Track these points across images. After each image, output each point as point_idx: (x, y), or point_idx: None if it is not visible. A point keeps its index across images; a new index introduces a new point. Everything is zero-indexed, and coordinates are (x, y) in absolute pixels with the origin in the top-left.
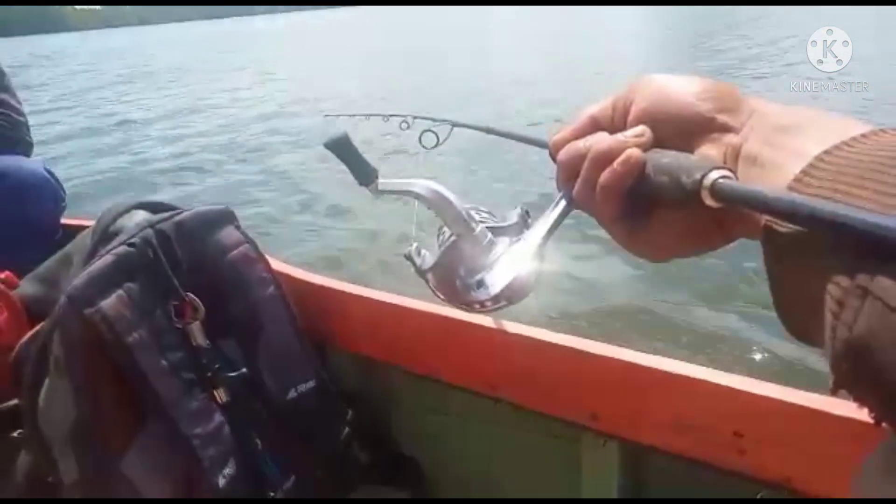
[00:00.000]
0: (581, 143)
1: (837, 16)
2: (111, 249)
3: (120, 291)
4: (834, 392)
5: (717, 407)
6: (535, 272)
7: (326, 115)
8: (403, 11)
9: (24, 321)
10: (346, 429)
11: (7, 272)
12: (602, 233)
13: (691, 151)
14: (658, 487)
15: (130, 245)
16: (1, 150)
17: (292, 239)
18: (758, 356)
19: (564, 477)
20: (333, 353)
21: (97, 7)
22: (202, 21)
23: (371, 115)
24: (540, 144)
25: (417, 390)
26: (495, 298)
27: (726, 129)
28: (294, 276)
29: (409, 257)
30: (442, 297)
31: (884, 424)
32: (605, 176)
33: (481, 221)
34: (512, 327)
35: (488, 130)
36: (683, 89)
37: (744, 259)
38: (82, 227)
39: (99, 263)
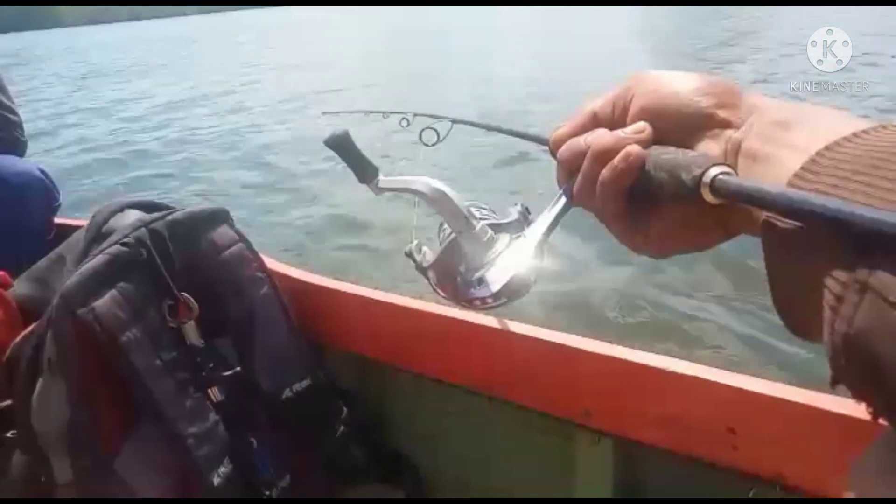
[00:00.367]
0: (581, 140)
1: (841, 16)
2: (104, 249)
3: (113, 291)
4: (832, 387)
5: (711, 403)
6: (535, 269)
7: (325, 113)
8: (398, 10)
9: (19, 321)
10: (342, 427)
11: (1, 272)
12: (602, 229)
13: (691, 147)
14: (652, 484)
15: (124, 244)
16: None
17: (288, 237)
18: (754, 353)
19: (559, 474)
20: (329, 351)
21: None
22: (196, 15)
23: (370, 112)
24: (540, 141)
25: (413, 389)
26: (496, 295)
27: (726, 124)
28: (289, 276)
29: (409, 254)
30: (443, 294)
31: (881, 420)
32: (605, 173)
33: (482, 218)
34: (507, 325)
35: (488, 127)
36: (683, 85)
37: (742, 255)
38: (76, 227)
39: (92, 263)
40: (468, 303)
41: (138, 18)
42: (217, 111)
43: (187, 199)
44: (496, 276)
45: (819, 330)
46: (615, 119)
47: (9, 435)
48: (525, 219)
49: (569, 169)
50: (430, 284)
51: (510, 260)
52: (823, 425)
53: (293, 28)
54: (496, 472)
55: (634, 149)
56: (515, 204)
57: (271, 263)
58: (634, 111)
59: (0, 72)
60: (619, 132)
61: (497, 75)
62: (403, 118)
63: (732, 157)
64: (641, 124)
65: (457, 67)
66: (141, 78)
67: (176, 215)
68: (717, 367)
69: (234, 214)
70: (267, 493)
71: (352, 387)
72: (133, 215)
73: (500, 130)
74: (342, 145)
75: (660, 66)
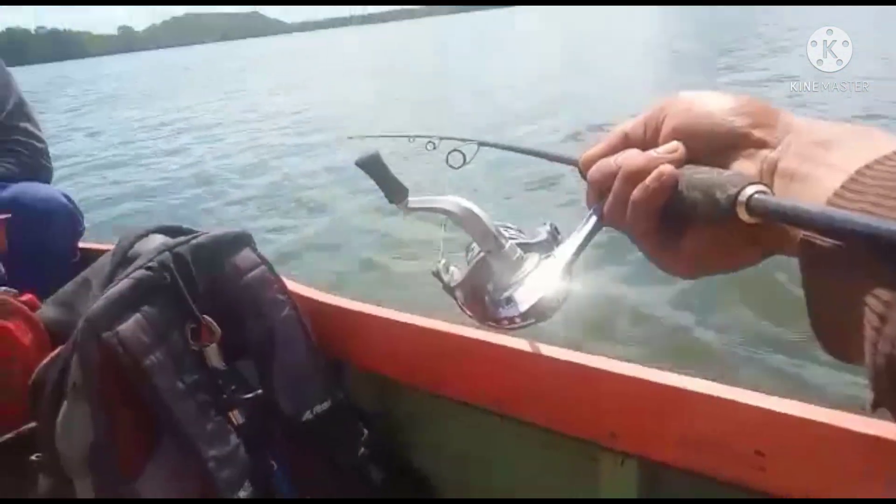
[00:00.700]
0: (612, 160)
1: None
2: (129, 273)
3: (137, 315)
4: (873, 410)
5: (738, 425)
6: (565, 289)
7: (350, 137)
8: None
9: (48, 343)
10: (363, 449)
11: (30, 295)
12: (633, 249)
13: (725, 167)
14: None
15: (148, 269)
16: (21, 177)
17: (311, 259)
18: (783, 374)
19: (583, 496)
20: (349, 372)
21: (113, 32)
22: (215, 43)
23: (396, 136)
24: (568, 162)
25: (435, 409)
26: (524, 315)
27: (762, 144)
28: (310, 297)
29: (436, 274)
30: (470, 313)
31: None
32: (637, 192)
33: (510, 238)
34: (530, 345)
35: (515, 149)
36: (717, 105)
37: (775, 275)
38: (100, 251)
39: (117, 287)
40: (496, 322)
41: (158, 47)
42: (232, 135)
43: (210, 222)
44: (525, 296)
45: (859, 351)
46: (647, 140)
47: (33, 458)
48: (554, 239)
49: (599, 189)
50: (457, 304)
51: (539, 280)
52: (854, 447)
53: (294, 53)
54: (519, 494)
55: (667, 168)
56: (544, 223)
57: (292, 285)
58: (667, 131)
59: (29, 100)
60: (651, 152)
61: (515, 87)
62: (429, 141)
63: (768, 176)
64: (674, 144)
65: (475, 82)
66: (154, 102)
67: (199, 239)
68: (744, 388)
69: (256, 237)
70: None
71: (372, 407)
72: (157, 240)
73: (527, 152)
74: (373, 166)
75: (682, 68)
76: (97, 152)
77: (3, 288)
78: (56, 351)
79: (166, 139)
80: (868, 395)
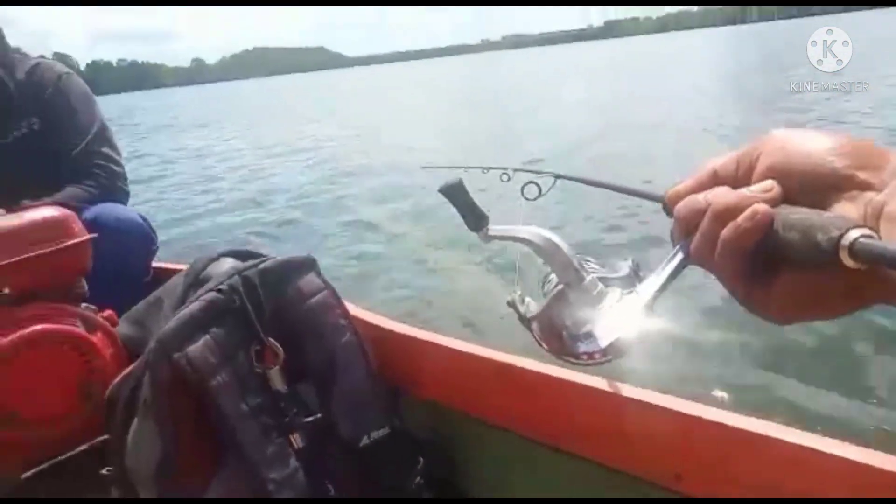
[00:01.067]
0: (701, 197)
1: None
2: (201, 296)
3: (207, 336)
4: None
5: (813, 474)
6: (647, 327)
7: (424, 167)
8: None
9: (125, 359)
10: (418, 478)
11: (109, 311)
12: (719, 289)
13: (824, 209)
14: None
15: (218, 291)
16: (100, 198)
17: (374, 286)
18: (872, 427)
19: None
20: (408, 399)
21: (185, 65)
22: (284, 75)
23: (470, 167)
24: (652, 198)
25: (492, 441)
26: (605, 351)
27: (866, 186)
28: (371, 323)
29: (512, 304)
30: (546, 346)
31: None
32: (728, 231)
33: (591, 271)
34: (593, 381)
35: (594, 183)
36: (817, 145)
37: (877, 326)
38: (171, 271)
39: (188, 309)
40: (574, 357)
41: (228, 79)
42: (306, 163)
43: (278, 247)
44: (606, 332)
45: None
46: (738, 178)
47: (104, 472)
48: (636, 275)
49: (686, 226)
50: (533, 335)
51: (621, 316)
52: None
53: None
54: None
55: (762, 207)
56: (626, 259)
57: (354, 310)
58: (761, 170)
59: (111, 126)
60: (744, 190)
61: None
62: (504, 173)
63: (873, 220)
64: (769, 182)
65: (535, 115)
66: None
67: (267, 264)
68: (828, 437)
69: (323, 263)
70: None
71: (428, 435)
72: (228, 263)
73: (606, 186)
74: (455, 193)
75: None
76: (167, 175)
77: (84, 305)
78: (129, 368)
79: (237, 166)
80: None
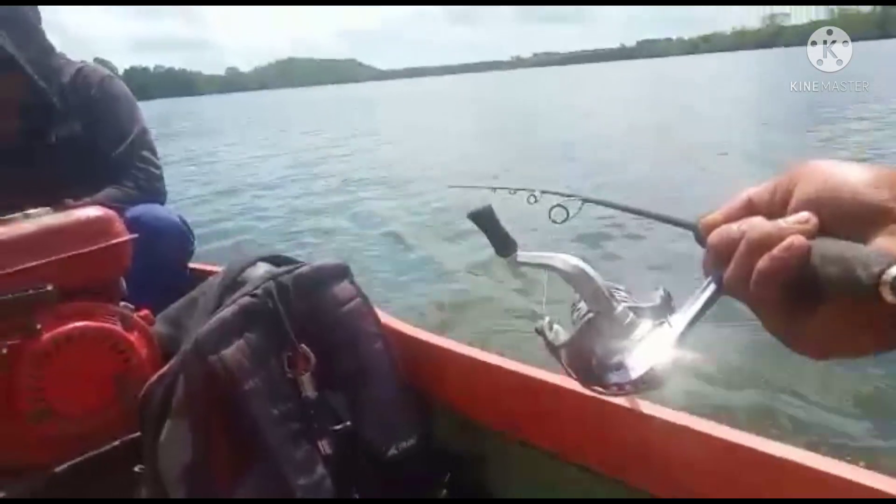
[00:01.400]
0: (735, 227)
1: None
2: (236, 299)
3: (241, 341)
4: None
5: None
6: (679, 359)
7: (451, 187)
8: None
9: (159, 357)
10: (444, 491)
11: (146, 310)
12: (751, 321)
13: (863, 243)
14: None
15: (253, 296)
16: (139, 200)
17: (402, 301)
18: None
19: None
20: (435, 410)
21: (221, 73)
22: (315, 87)
23: (497, 188)
24: (684, 225)
25: (519, 457)
26: (635, 383)
27: None
28: (402, 332)
29: (540, 332)
30: (574, 375)
31: None
32: (763, 262)
33: (622, 300)
34: (622, 401)
35: (623, 208)
36: (856, 176)
37: None
38: (207, 272)
39: (224, 313)
40: (604, 387)
41: (261, 87)
42: (332, 176)
43: (312, 254)
44: (637, 363)
45: None
46: (773, 208)
47: (136, 469)
48: (667, 304)
49: (719, 256)
50: (561, 364)
51: (653, 347)
52: None
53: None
54: None
55: (798, 239)
56: (657, 288)
57: (386, 319)
58: (797, 201)
59: (153, 131)
60: (780, 221)
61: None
62: (531, 195)
63: None
64: (805, 214)
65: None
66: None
67: (301, 270)
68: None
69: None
70: None
71: (457, 447)
72: (263, 268)
73: (636, 212)
74: (485, 219)
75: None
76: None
77: (122, 303)
78: (164, 368)
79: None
80: None
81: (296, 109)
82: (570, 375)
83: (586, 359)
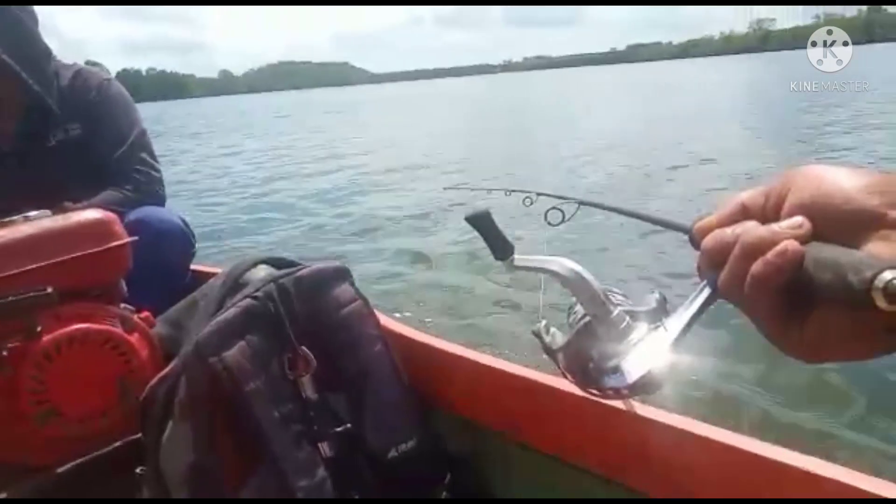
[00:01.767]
0: (729, 231)
1: None
2: (237, 302)
3: (242, 342)
4: None
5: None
6: (675, 363)
7: (446, 188)
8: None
9: (160, 359)
10: (444, 493)
11: (146, 312)
12: (744, 324)
13: (856, 248)
14: None
15: (254, 298)
16: (138, 202)
17: (401, 303)
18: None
19: None
20: (436, 413)
21: (214, 76)
22: (309, 89)
23: (492, 189)
24: (679, 229)
25: (519, 460)
26: (632, 387)
27: None
28: (403, 334)
29: (537, 334)
30: (571, 378)
31: None
32: (757, 267)
33: (618, 304)
34: (622, 404)
35: (619, 211)
36: (850, 181)
37: None
38: (208, 274)
39: (226, 315)
40: (600, 391)
41: (253, 91)
42: (327, 177)
43: (312, 257)
44: (633, 367)
45: None
46: (767, 213)
47: (138, 471)
48: (663, 308)
49: (714, 260)
50: (558, 367)
51: (649, 351)
52: None
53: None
54: None
55: (792, 244)
56: (652, 292)
57: (386, 321)
58: (791, 206)
59: (149, 133)
60: (774, 226)
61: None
62: (527, 197)
63: None
64: (800, 219)
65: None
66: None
67: (302, 272)
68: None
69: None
70: None
71: (457, 450)
72: (264, 270)
73: (631, 214)
74: (482, 222)
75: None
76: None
77: (123, 305)
78: (166, 370)
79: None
80: None
81: (288, 112)
82: (566, 378)
83: (583, 362)
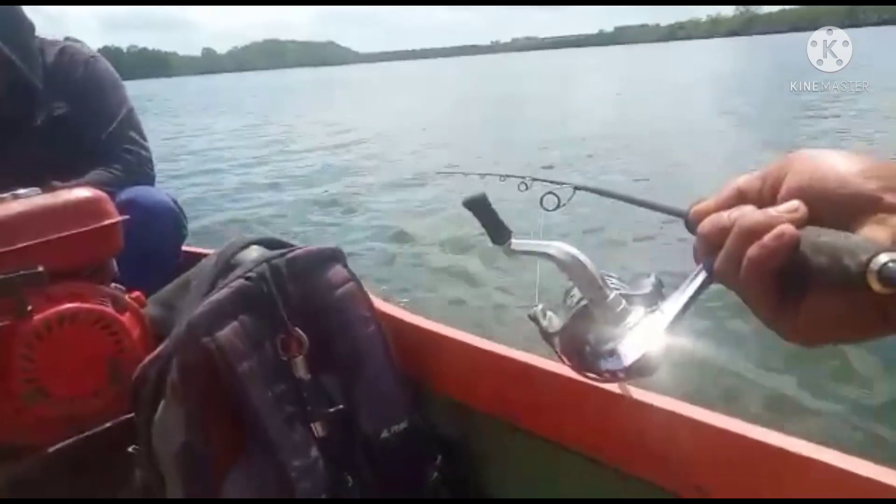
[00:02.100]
0: (726, 215)
1: None
2: (229, 282)
3: (235, 323)
4: None
5: (837, 492)
6: (671, 346)
7: (439, 172)
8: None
9: (152, 339)
10: (435, 474)
11: (138, 292)
12: (740, 307)
13: (851, 232)
14: None
15: (247, 279)
16: (128, 182)
17: (394, 286)
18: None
19: None
20: (428, 395)
21: (197, 54)
22: (294, 69)
23: (487, 174)
24: (675, 213)
25: (512, 442)
26: (628, 370)
27: (894, 209)
28: (396, 316)
29: (534, 318)
30: (567, 362)
31: None
32: (753, 251)
33: (615, 288)
34: (618, 388)
35: (615, 196)
36: (845, 166)
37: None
38: (200, 255)
39: (218, 295)
40: (597, 374)
41: (238, 69)
42: (318, 159)
43: (304, 237)
44: (629, 350)
45: None
46: (763, 197)
47: (130, 450)
48: (659, 292)
49: (710, 244)
50: (555, 351)
51: (645, 334)
52: None
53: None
54: None
55: (788, 228)
56: (649, 275)
57: (379, 303)
58: (787, 190)
59: (137, 112)
60: (770, 210)
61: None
62: (522, 182)
63: None
64: (796, 203)
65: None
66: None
67: (295, 253)
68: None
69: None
70: None
71: (449, 432)
72: (256, 251)
73: (627, 199)
74: (479, 207)
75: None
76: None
77: (114, 285)
78: (157, 350)
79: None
80: None
81: (275, 93)
82: (563, 362)
83: (580, 346)
